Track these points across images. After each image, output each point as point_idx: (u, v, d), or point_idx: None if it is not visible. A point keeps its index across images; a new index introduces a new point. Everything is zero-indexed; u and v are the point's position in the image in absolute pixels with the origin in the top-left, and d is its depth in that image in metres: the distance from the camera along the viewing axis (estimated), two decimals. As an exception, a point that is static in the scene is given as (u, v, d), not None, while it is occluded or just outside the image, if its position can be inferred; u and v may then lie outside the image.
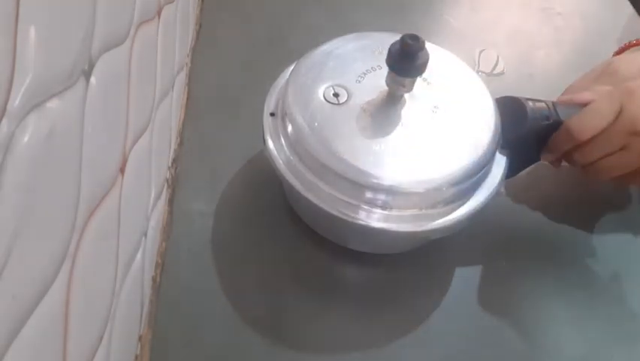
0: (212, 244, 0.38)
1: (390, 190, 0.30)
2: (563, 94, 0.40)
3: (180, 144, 0.44)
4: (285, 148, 0.33)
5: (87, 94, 0.21)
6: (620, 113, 0.34)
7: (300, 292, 0.37)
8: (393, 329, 0.36)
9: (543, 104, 0.36)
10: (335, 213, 0.31)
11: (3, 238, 0.15)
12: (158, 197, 0.36)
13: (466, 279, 0.39)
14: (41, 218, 0.17)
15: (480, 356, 0.35)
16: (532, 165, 0.41)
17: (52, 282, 0.18)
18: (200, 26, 0.54)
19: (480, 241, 0.40)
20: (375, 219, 0.31)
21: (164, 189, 0.38)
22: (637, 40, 0.43)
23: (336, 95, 0.34)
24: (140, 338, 0.31)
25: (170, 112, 0.40)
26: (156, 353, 0.33)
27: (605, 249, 0.41)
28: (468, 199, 0.33)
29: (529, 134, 0.36)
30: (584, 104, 0.36)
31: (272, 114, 0.36)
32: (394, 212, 0.31)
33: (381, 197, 0.31)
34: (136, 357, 0.31)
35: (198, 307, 0.35)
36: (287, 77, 0.36)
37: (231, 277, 0.37)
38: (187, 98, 0.47)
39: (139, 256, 0.31)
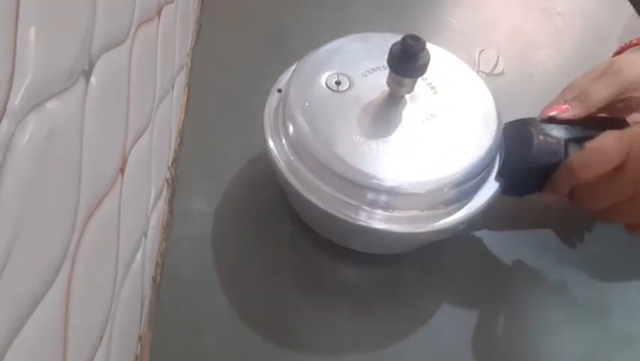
0: (212, 244, 0.38)
1: (391, 191, 0.30)
2: (562, 92, 0.40)
3: (180, 144, 0.44)
4: (286, 148, 0.33)
5: (87, 94, 0.21)
6: (628, 159, 0.33)
7: (300, 292, 0.37)
8: (394, 330, 0.36)
9: (555, 140, 0.35)
10: (335, 213, 0.31)
11: (3, 238, 0.15)
12: (158, 197, 0.36)
13: (466, 279, 0.39)
14: (41, 218, 0.17)
15: (480, 356, 0.35)
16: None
17: (52, 282, 0.18)
18: (200, 26, 0.54)
19: (480, 241, 0.40)
20: (376, 220, 0.31)
21: (164, 189, 0.38)
22: (638, 39, 0.43)
23: (338, 82, 0.34)
24: (140, 338, 0.31)
25: (170, 112, 0.40)
26: (156, 353, 0.33)
27: (606, 249, 0.41)
28: (470, 200, 0.33)
29: (531, 168, 0.35)
30: None
31: (279, 90, 0.36)
32: (395, 213, 0.31)
33: (382, 198, 0.31)
34: (136, 357, 0.31)
35: (198, 307, 0.35)
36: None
37: (231, 277, 0.37)
38: (187, 98, 0.47)
39: (139, 256, 0.31)
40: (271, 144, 0.34)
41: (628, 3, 0.63)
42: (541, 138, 0.35)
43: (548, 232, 0.42)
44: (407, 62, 0.31)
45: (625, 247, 0.41)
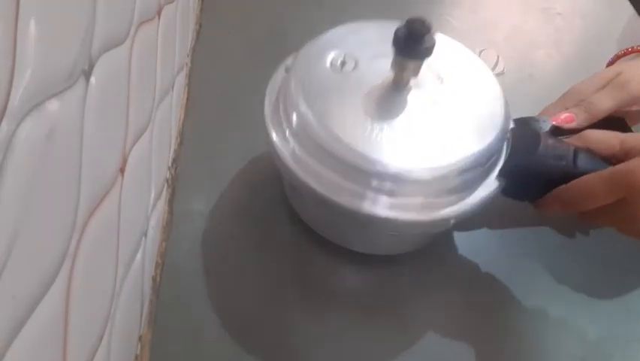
0: (212, 244, 0.38)
1: (395, 177, 0.30)
2: (562, 97, 0.39)
3: (180, 144, 0.44)
4: (288, 134, 0.32)
5: (87, 94, 0.21)
6: (624, 202, 0.31)
7: (300, 293, 0.37)
8: (394, 330, 0.36)
9: (564, 145, 0.34)
10: (337, 199, 0.31)
11: (3, 238, 0.15)
12: (158, 197, 0.36)
13: (466, 279, 0.39)
14: (41, 218, 0.17)
15: (480, 356, 0.35)
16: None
17: (52, 282, 0.18)
18: (200, 26, 0.54)
19: (480, 241, 0.40)
20: (380, 206, 0.31)
21: (164, 189, 0.38)
22: (639, 46, 0.42)
23: (343, 63, 0.33)
24: (140, 338, 0.32)
25: (170, 112, 0.40)
26: (156, 353, 0.33)
27: (606, 248, 0.41)
28: (473, 192, 0.32)
29: (535, 170, 0.33)
30: (610, 162, 0.33)
31: (286, 70, 0.35)
32: (399, 200, 0.30)
33: (387, 183, 0.30)
34: (136, 357, 0.31)
35: (198, 307, 0.35)
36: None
37: (231, 277, 0.37)
38: (187, 98, 0.47)
39: (139, 256, 0.31)
40: (273, 131, 0.33)
41: (628, 3, 0.63)
42: (550, 141, 0.34)
43: (548, 232, 0.42)
44: (412, 43, 0.30)
45: (625, 247, 0.41)
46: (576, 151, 0.33)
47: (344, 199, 0.31)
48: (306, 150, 0.32)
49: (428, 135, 0.31)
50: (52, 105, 0.18)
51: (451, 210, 0.31)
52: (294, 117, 0.32)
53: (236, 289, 0.36)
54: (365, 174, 0.30)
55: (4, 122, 0.15)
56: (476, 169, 0.32)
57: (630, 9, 0.63)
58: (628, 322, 0.37)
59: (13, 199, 0.15)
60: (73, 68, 0.19)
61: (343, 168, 0.30)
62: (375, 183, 0.30)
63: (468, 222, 0.40)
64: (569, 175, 0.33)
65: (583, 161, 0.33)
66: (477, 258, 0.40)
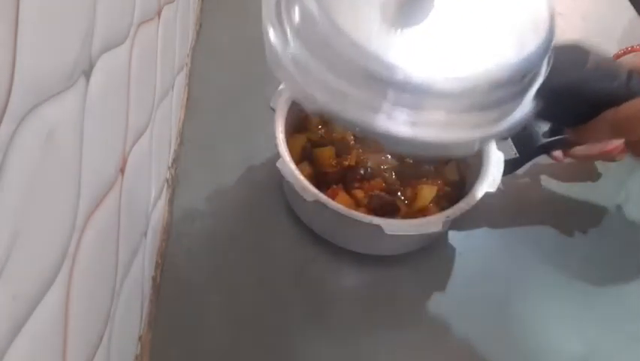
0: (213, 244, 0.38)
1: (415, 87, 0.25)
2: None
3: (180, 144, 0.44)
4: (290, 37, 0.27)
5: (87, 94, 0.21)
6: None
7: (299, 293, 0.37)
8: (394, 331, 0.36)
9: (616, 65, 0.30)
10: (346, 115, 0.26)
11: (3, 238, 0.15)
12: (158, 197, 0.36)
13: (466, 280, 0.39)
14: (41, 218, 0.17)
15: (481, 356, 0.35)
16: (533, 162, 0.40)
17: (52, 282, 0.18)
18: (200, 26, 0.54)
19: (480, 240, 0.41)
20: (394, 121, 0.26)
21: (164, 189, 0.38)
22: (639, 45, 0.42)
23: None
24: (140, 338, 0.32)
25: (170, 112, 0.40)
26: (156, 353, 0.33)
27: (605, 247, 0.41)
28: (507, 109, 0.28)
29: (579, 91, 0.29)
30: None
31: None
32: (418, 115, 0.26)
33: (404, 94, 0.25)
34: (136, 357, 0.31)
35: (198, 307, 0.35)
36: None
37: (231, 277, 0.37)
38: (187, 98, 0.47)
39: (139, 256, 0.31)
40: (271, 31, 0.28)
41: (628, 3, 0.63)
42: (599, 58, 0.29)
43: (548, 232, 0.42)
44: None
45: (624, 247, 0.41)
46: (630, 72, 0.30)
47: (353, 111, 0.25)
48: (310, 53, 0.26)
49: (457, 41, 0.26)
50: (53, 105, 0.18)
51: (479, 131, 0.27)
52: (297, 13, 0.27)
53: (235, 289, 0.36)
54: (379, 81, 0.25)
55: (4, 123, 0.15)
56: (512, 85, 0.27)
57: (630, 9, 0.63)
58: (628, 321, 0.37)
59: (13, 199, 0.15)
60: (74, 69, 0.19)
61: (353, 74, 0.25)
62: (391, 92, 0.25)
63: (467, 221, 0.40)
64: (620, 99, 0.29)
65: (638, 83, 0.30)
66: (476, 258, 0.40)
